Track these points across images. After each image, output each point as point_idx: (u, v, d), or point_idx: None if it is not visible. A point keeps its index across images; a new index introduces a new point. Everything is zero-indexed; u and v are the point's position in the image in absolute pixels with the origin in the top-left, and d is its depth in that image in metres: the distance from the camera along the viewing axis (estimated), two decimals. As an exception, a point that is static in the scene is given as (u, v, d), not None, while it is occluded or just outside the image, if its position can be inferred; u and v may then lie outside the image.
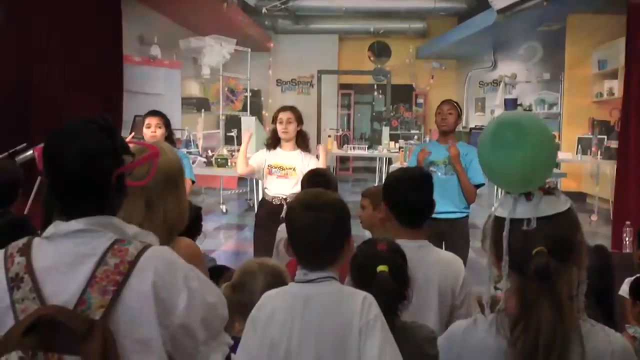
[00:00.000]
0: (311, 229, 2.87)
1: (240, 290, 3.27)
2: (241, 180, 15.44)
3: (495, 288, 2.48)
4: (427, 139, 16.19)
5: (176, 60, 13.41)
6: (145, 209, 3.03)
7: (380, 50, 22.28)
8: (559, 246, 2.29)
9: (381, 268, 3.08)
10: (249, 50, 15.55)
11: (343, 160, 21.76)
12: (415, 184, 3.85)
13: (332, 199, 2.99)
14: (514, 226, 2.33)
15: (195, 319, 2.32)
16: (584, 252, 2.38)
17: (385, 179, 4.07)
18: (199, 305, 2.33)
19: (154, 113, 6.88)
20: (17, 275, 2.26)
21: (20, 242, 2.34)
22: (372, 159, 17.81)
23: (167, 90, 12.22)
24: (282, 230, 5.25)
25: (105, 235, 2.30)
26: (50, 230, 2.34)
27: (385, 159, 16.44)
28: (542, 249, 2.26)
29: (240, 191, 16.20)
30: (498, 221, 2.38)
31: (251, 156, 7.18)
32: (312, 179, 5.37)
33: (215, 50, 14.24)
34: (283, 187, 6.85)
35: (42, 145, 2.35)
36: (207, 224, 11.72)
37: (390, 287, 3.04)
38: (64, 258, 2.26)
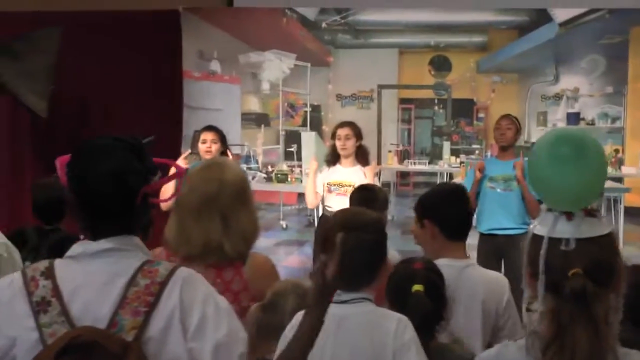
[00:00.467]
0: (348, 249, 2.78)
1: (271, 311, 3.25)
2: (301, 195, 15.40)
3: (528, 309, 2.42)
4: (489, 153, 16.04)
5: (236, 76, 13.46)
6: (222, 225, 3.11)
7: (441, 64, 22.12)
8: (597, 269, 2.23)
9: (416, 287, 3.07)
10: (309, 64, 15.60)
11: (403, 175, 21.59)
12: (455, 197, 3.90)
13: (370, 218, 2.96)
14: (552, 245, 2.28)
15: (204, 346, 2.25)
16: (622, 278, 2.33)
17: (422, 196, 4.08)
18: (209, 331, 2.27)
19: (209, 128, 6.95)
20: (43, 299, 2.22)
21: (42, 265, 2.32)
22: (433, 174, 17.74)
23: (226, 105, 12.28)
24: None
25: (135, 255, 2.32)
26: (76, 249, 2.35)
27: (447, 174, 16.34)
28: (579, 270, 2.20)
29: (301, 207, 16.13)
30: (536, 239, 2.34)
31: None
32: (360, 193, 5.37)
33: (275, 65, 14.29)
34: (343, 204, 6.81)
35: (66, 156, 2.34)
36: (267, 240, 11.75)
37: (426, 307, 3.03)
38: (94, 278, 2.26)
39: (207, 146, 6.94)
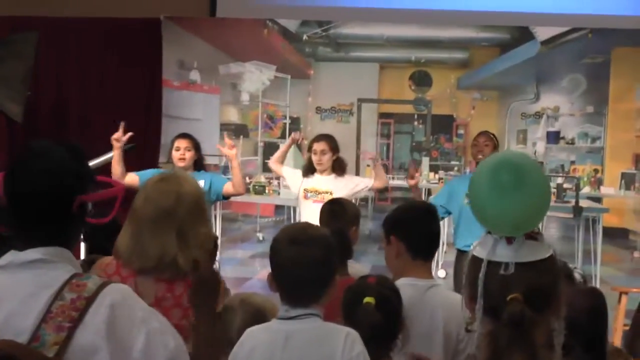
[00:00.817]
0: (295, 265, 2.85)
1: (220, 325, 3.21)
2: (279, 208, 15.36)
3: (467, 330, 2.39)
4: (467, 170, 16.06)
5: (215, 86, 13.41)
6: (177, 240, 3.07)
7: (421, 80, 22.12)
8: (536, 294, 2.21)
9: (367, 300, 3.05)
10: (289, 77, 15.57)
11: (382, 190, 21.59)
12: (423, 214, 3.88)
13: (319, 234, 2.98)
14: (491, 269, 2.25)
15: None
16: (562, 302, 2.31)
17: (391, 213, 4.06)
18: (159, 347, 2.21)
19: (183, 135, 6.91)
20: None
21: None
22: (411, 189, 17.67)
23: (205, 115, 12.23)
24: None
25: (64, 267, 2.22)
26: (6, 258, 2.26)
27: (425, 189, 16.30)
28: (518, 296, 2.17)
29: (278, 219, 16.09)
30: (475, 261, 2.31)
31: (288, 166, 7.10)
32: (329, 206, 5.33)
33: (255, 77, 14.26)
34: (318, 212, 6.78)
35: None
36: (243, 252, 11.71)
37: (374, 320, 3.01)
38: (19, 289, 2.17)
39: (181, 153, 6.90)
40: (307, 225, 3.10)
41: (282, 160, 7.46)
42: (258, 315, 3.32)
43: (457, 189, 7.04)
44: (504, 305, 2.17)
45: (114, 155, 7.06)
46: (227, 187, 6.88)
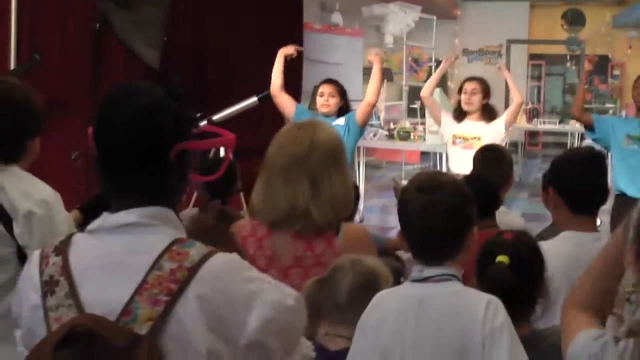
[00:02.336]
0: (425, 214, 2.54)
1: (326, 287, 2.87)
2: (424, 154, 15.17)
3: (628, 300, 1.93)
4: (624, 113, 15.45)
5: (358, 28, 13.21)
6: (311, 189, 2.90)
7: (574, 18, 21.47)
8: None
9: (500, 259, 2.76)
10: (434, 18, 15.22)
11: (532, 134, 21.13)
12: (585, 166, 3.51)
13: (450, 180, 2.71)
14: None
15: (269, 335, 1.94)
16: None
17: (553, 161, 3.72)
18: (277, 319, 1.94)
19: (328, 81, 6.78)
20: (51, 278, 1.95)
21: (58, 240, 2.03)
22: (564, 134, 17.20)
23: (348, 59, 12.03)
24: None
25: (164, 231, 1.95)
26: (96, 223, 2.00)
27: (578, 134, 15.85)
28: None
29: (424, 166, 15.93)
30: None
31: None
32: (484, 153, 5.09)
33: (399, 18, 13.97)
34: (467, 158, 6.55)
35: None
36: (387, 200, 11.55)
37: (506, 281, 2.72)
38: (110, 257, 1.93)
39: (325, 99, 6.71)
40: (437, 172, 2.88)
41: (432, 89, 7.28)
42: (370, 278, 3.07)
43: (618, 126, 6.67)
44: None
45: (277, 66, 6.89)
46: (359, 109, 6.70)
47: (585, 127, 6.91)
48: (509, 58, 19.28)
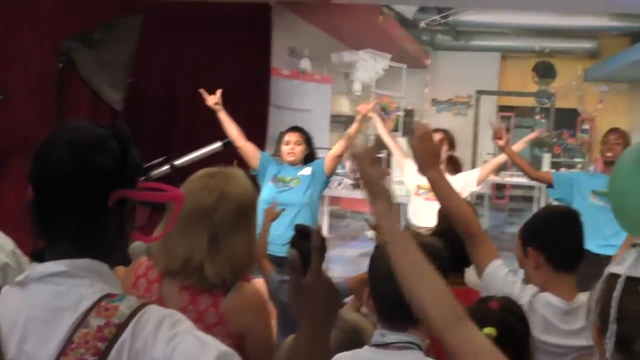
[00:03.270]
0: (394, 278, 2.32)
1: None
2: (390, 204, 15.18)
3: None
4: (592, 168, 15.58)
5: (327, 75, 13.25)
6: (209, 244, 2.81)
7: (545, 71, 21.71)
8: None
9: (487, 331, 2.66)
10: (404, 66, 15.33)
11: (499, 187, 21.23)
12: (568, 223, 3.55)
13: (425, 242, 2.60)
14: (630, 287, 1.82)
15: None
16: None
17: (529, 220, 3.75)
18: None
19: (294, 129, 6.82)
20: None
21: None
22: (531, 187, 17.28)
23: (316, 106, 12.04)
24: None
25: (92, 285, 1.83)
26: (25, 273, 1.90)
27: (545, 187, 15.94)
28: None
29: (389, 216, 15.94)
30: (611, 280, 1.88)
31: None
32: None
33: (369, 66, 14.05)
34: (430, 214, 6.58)
35: None
36: (352, 250, 11.58)
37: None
38: (35, 312, 1.81)
39: (290, 148, 6.74)
40: (414, 233, 2.82)
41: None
42: (353, 334, 3.06)
43: (582, 182, 6.78)
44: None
45: (222, 118, 6.90)
46: (328, 158, 6.73)
47: (547, 185, 7.04)
48: (478, 109, 19.44)
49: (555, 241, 3.46)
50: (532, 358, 2.86)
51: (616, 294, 1.82)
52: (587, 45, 20.58)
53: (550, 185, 6.97)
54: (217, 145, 7.16)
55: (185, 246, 2.78)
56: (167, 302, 2.78)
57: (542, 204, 16.63)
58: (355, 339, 2.88)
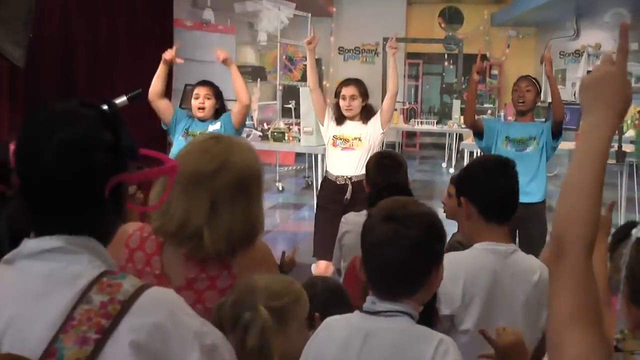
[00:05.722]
0: (389, 245, 2.48)
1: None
2: (299, 155, 15.37)
3: (617, 348, 1.84)
4: (502, 113, 15.95)
5: (231, 25, 13.31)
6: (210, 212, 2.72)
7: (452, 17, 22.03)
8: None
9: None
10: (309, 15, 15.40)
11: (410, 135, 21.60)
12: (501, 173, 3.55)
13: (423, 211, 2.62)
14: None
15: None
16: None
17: (461, 170, 3.85)
18: None
19: (203, 83, 6.82)
20: None
21: None
22: (442, 134, 17.66)
23: (220, 57, 12.11)
24: (345, 222, 5.13)
25: (91, 261, 1.80)
26: (13, 251, 1.84)
27: (456, 135, 16.27)
28: None
29: (298, 168, 16.17)
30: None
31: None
32: (380, 161, 5.20)
33: (273, 15, 14.11)
34: (347, 163, 6.76)
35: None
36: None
37: None
38: (30, 288, 1.77)
39: (200, 102, 6.76)
40: (410, 201, 2.78)
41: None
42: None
43: (498, 129, 6.93)
44: None
45: (159, 70, 6.92)
46: (234, 111, 6.79)
47: (475, 133, 7.15)
48: (386, 57, 19.71)
49: (487, 192, 3.48)
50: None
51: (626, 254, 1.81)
52: (493, -11, 20.87)
53: (478, 134, 7.06)
54: (122, 99, 7.20)
55: (183, 209, 2.71)
56: (172, 274, 2.73)
57: (454, 151, 17.03)
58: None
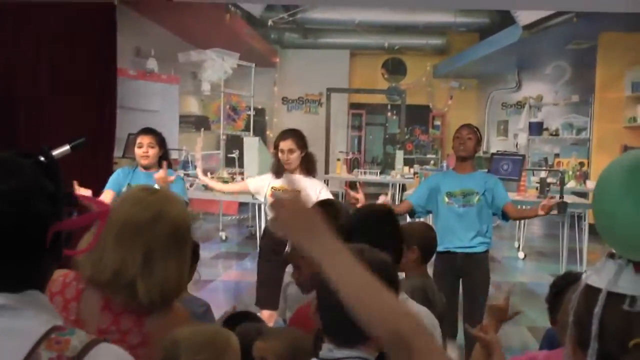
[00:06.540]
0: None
1: None
2: (242, 205, 15.41)
3: None
4: (444, 164, 16.14)
5: (174, 75, 13.37)
6: (143, 262, 2.69)
7: (395, 68, 22.27)
8: None
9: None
10: (253, 65, 15.53)
11: (352, 185, 21.60)
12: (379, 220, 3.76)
13: (378, 258, 2.59)
14: (611, 302, 1.83)
15: None
16: None
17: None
18: None
19: (146, 131, 6.80)
20: None
21: None
22: (385, 185, 17.75)
23: (164, 106, 12.14)
24: (290, 272, 5.18)
25: (38, 317, 1.78)
26: None
27: (399, 185, 16.39)
28: None
29: (241, 217, 16.17)
30: (589, 293, 1.88)
31: (248, 177, 7.12)
32: (321, 208, 5.23)
33: (217, 65, 14.22)
34: None
35: None
36: (205, 252, 11.69)
37: None
38: None
39: (144, 150, 6.77)
40: (366, 248, 2.71)
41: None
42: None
43: (439, 185, 7.00)
44: (623, 354, 1.79)
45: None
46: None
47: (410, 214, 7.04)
48: (329, 107, 19.82)
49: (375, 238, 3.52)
50: None
51: (597, 310, 1.83)
52: (435, 41, 21.17)
53: (412, 214, 7.00)
54: (65, 148, 7.19)
55: (117, 259, 2.69)
56: (86, 322, 2.66)
57: (397, 201, 17.15)
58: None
